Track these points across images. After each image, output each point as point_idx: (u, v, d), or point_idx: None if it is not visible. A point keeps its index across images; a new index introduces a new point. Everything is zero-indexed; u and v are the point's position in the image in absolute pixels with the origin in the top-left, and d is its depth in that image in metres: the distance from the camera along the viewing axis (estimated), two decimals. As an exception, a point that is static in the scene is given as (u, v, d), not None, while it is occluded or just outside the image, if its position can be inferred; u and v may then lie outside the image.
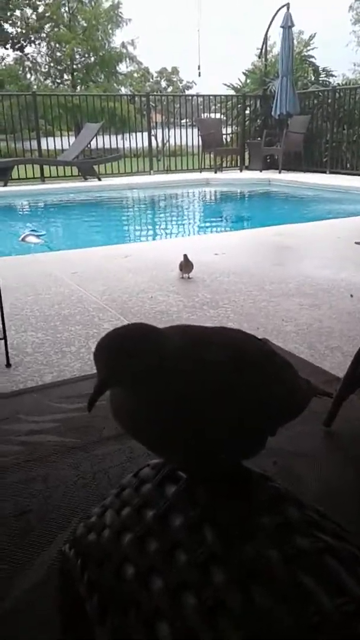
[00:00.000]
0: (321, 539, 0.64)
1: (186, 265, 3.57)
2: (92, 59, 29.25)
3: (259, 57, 12.89)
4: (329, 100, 10.78)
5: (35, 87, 26.64)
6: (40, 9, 27.99)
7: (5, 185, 9.53)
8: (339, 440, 1.74)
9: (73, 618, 0.76)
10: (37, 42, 29.11)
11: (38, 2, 27.81)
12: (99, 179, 10.24)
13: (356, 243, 3.86)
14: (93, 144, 10.83)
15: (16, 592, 1.16)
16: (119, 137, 12.36)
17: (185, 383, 0.68)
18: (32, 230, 6.13)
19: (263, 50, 12.41)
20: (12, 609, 1.12)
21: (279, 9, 10.65)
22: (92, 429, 1.78)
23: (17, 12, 28.00)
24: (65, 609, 0.80)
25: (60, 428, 1.82)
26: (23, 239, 5.81)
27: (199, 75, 10.64)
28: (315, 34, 13.34)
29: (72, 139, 11.86)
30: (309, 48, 13.23)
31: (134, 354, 0.67)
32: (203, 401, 0.69)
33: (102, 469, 1.58)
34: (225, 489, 0.73)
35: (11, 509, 1.41)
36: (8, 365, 2.31)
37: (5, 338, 2.36)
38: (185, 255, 3.56)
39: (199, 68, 10.57)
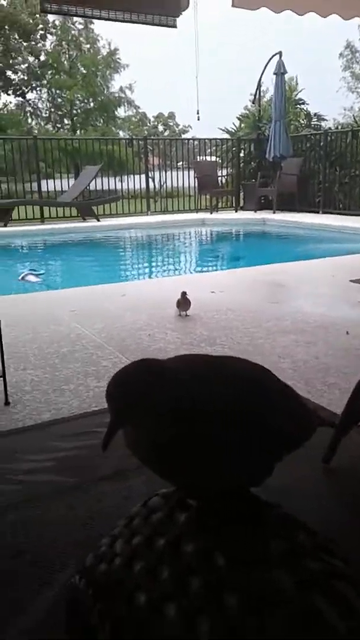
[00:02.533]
0: (331, 562, 0.65)
1: (183, 303, 3.61)
2: (92, 104, 30.07)
3: (253, 103, 13.24)
4: (321, 143, 11.05)
5: (36, 131, 27.25)
6: (42, 57, 28.92)
7: (5, 225, 9.65)
8: (338, 476, 1.74)
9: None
10: (38, 89, 29.99)
11: (40, 51, 28.75)
12: (98, 220, 10.38)
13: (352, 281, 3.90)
14: (92, 186, 11.01)
15: (12, 632, 1.14)
16: (117, 179, 12.61)
17: (189, 420, 0.72)
18: (32, 270, 6.19)
19: (256, 96, 12.76)
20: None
21: (272, 56, 10.98)
22: (89, 468, 1.77)
23: (19, 59, 28.90)
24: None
25: (58, 467, 1.81)
26: (22, 278, 5.86)
27: (198, 119, 10.78)
28: (296, 75, 13.91)
29: (72, 181, 12.06)
30: (298, 90, 13.70)
31: (135, 400, 0.73)
32: (207, 437, 0.72)
33: (100, 508, 1.55)
34: (235, 515, 0.74)
35: (7, 550, 1.39)
36: (7, 403, 2.31)
37: (4, 376, 2.37)
38: (183, 293, 3.59)
39: (197, 112, 10.79)
